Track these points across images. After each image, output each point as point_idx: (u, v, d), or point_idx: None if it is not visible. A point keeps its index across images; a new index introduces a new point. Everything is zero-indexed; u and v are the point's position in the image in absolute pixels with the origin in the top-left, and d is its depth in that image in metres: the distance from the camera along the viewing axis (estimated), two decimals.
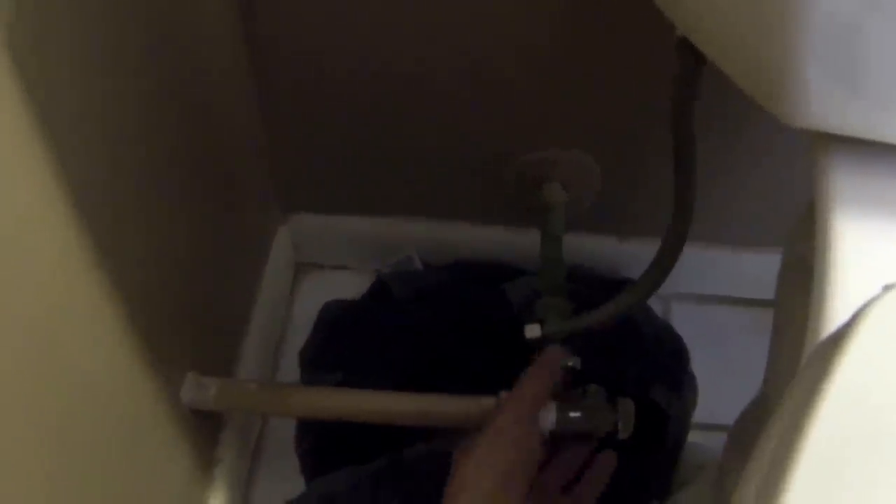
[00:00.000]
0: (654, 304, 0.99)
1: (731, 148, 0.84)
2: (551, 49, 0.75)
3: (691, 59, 0.53)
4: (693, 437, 0.86)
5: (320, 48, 0.77)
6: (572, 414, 0.69)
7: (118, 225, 0.58)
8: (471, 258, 0.99)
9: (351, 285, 1.01)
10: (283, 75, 0.81)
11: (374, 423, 0.75)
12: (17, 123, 0.45)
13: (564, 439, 0.69)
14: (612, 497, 0.69)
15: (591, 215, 0.94)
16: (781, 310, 0.55)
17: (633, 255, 0.98)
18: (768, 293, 0.59)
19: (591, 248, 0.98)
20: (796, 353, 0.42)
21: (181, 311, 0.72)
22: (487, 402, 0.71)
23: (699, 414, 0.87)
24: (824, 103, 0.39)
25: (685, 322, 0.96)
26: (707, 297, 1.06)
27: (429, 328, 0.87)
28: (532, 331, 0.77)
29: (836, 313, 0.39)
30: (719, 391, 0.83)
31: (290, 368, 0.95)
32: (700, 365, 0.88)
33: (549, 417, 0.67)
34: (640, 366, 0.84)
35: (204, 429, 0.80)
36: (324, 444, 0.84)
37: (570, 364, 0.72)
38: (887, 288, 0.32)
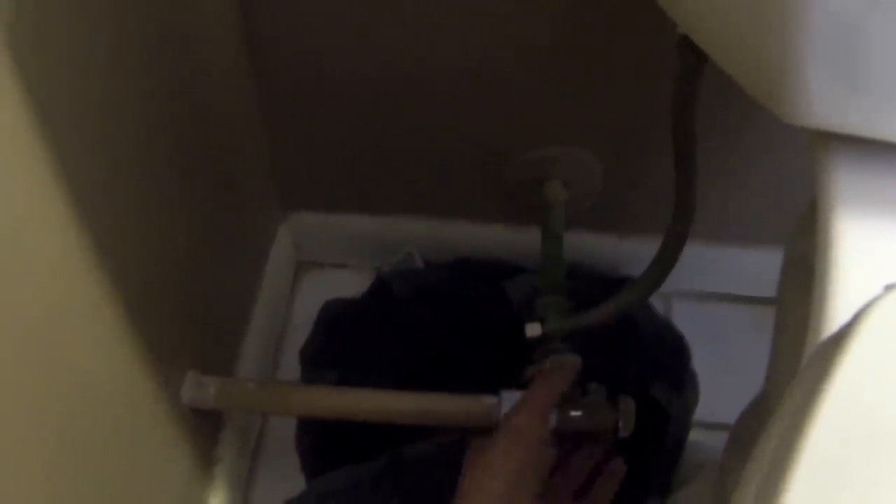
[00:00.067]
0: (656, 301, 0.99)
1: (732, 146, 0.84)
2: (552, 48, 0.75)
3: (692, 58, 0.53)
4: (694, 435, 0.86)
5: (320, 48, 0.77)
6: (573, 412, 0.69)
7: (118, 225, 0.58)
8: (471, 256, 0.99)
9: (351, 284, 1.01)
10: (283, 75, 0.81)
11: (375, 422, 0.75)
12: (17, 123, 0.45)
13: (566, 438, 0.69)
14: (613, 496, 0.69)
15: (591, 213, 0.93)
16: (783, 308, 0.55)
17: (633, 252, 0.98)
18: (770, 291, 0.59)
19: (591, 245, 0.98)
20: (797, 352, 0.42)
21: (181, 310, 0.72)
22: (488, 400, 0.71)
23: (700, 412, 0.87)
24: (825, 102, 0.39)
25: (686, 320, 0.96)
26: (708, 295, 1.06)
27: (429, 326, 0.87)
28: (533, 329, 0.76)
29: (837, 312, 0.39)
30: (720, 389, 0.83)
31: (290, 367, 0.96)
32: (701, 363, 0.88)
33: (550, 416, 0.67)
34: (641, 364, 0.84)
35: (204, 428, 0.80)
36: (324, 443, 0.84)
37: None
38: (889, 288, 0.32)
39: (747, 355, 0.71)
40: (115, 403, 0.61)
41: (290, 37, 0.77)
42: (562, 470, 0.68)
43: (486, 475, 0.60)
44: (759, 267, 0.87)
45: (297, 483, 0.84)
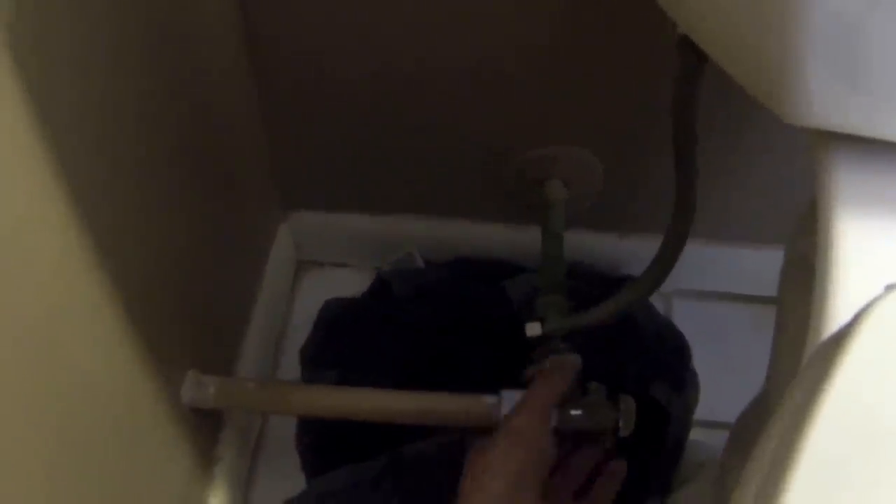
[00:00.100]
0: (656, 300, 0.99)
1: (732, 145, 0.84)
2: (552, 48, 0.75)
3: (692, 58, 0.53)
4: (694, 434, 0.86)
5: (320, 48, 0.77)
6: (573, 412, 0.69)
7: (118, 225, 0.58)
8: (471, 256, 0.99)
9: (351, 283, 1.01)
10: (283, 75, 0.81)
11: (375, 422, 0.75)
12: (17, 123, 0.45)
13: (566, 438, 0.69)
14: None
15: (591, 212, 0.93)
16: (783, 307, 0.55)
17: (633, 251, 0.98)
18: (770, 290, 0.59)
19: (591, 245, 0.98)
20: (798, 352, 0.41)
21: (181, 310, 0.72)
22: (488, 400, 0.71)
23: (700, 411, 0.87)
24: (825, 102, 0.39)
25: (686, 319, 0.96)
26: (708, 294, 1.06)
27: (429, 326, 0.87)
28: (533, 329, 0.76)
29: (837, 312, 0.39)
30: (721, 388, 0.83)
31: (290, 366, 0.96)
32: (701, 362, 0.88)
33: (550, 416, 0.67)
34: (641, 363, 0.84)
35: (204, 427, 0.80)
36: (324, 442, 0.84)
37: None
38: (889, 288, 0.32)
39: (747, 354, 0.71)
40: (115, 403, 0.61)
41: (290, 37, 0.77)
42: (562, 470, 0.68)
43: (487, 476, 0.60)
44: (760, 266, 0.87)
45: (297, 482, 0.84)
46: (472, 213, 0.97)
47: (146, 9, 0.59)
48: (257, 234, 0.94)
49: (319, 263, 1.07)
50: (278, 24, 0.75)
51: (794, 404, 0.32)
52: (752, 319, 1.04)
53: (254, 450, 0.94)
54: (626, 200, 0.94)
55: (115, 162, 0.57)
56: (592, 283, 0.89)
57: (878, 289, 0.32)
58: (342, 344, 0.88)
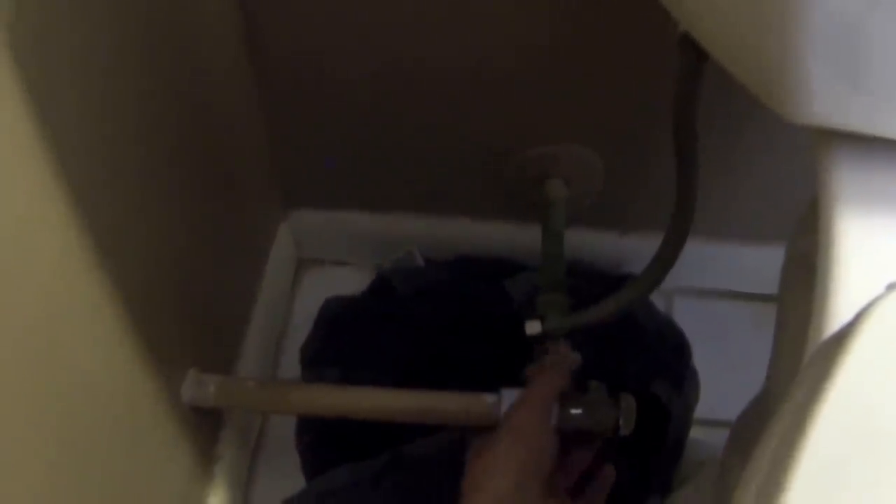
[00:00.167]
0: (657, 299, 0.99)
1: (733, 143, 0.84)
2: (552, 47, 0.75)
3: (693, 56, 0.53)
4: (694, 432, 0.86)
5: (320, 48, 0.77)
6: (573, 411, 0.69)
7: (118, 225, 0.58)
8: (472, 254, 0.99)
9: (352, 281, 1.01)
10: (283, 75, 0.81)
11: (375, 420, 0.75)
12: (17, 123, 0.45)
13: (566, 437, 0.69)
14: (613, 494, 0.69)
15: (592, 211, 0.93)
16: (784, 306, 0.55)
17: (634, 250, 0.98)
18: (770, 288, 0.58)
19: (592, 243, 0.98)
20: (799, 350, 0.41)
21: (182, 309, 0.72)
22: (488, 398, 0.71)
23: (701, 410, 0.87)
24: (827, 101, 0.39)
25: (687, 317, 0.96)
26: (709, 292, 1.06)
27: (429, 324, 0.87)
28: (532, 327, 0.76)
29: (838, 310, 0.39)
30: (721, 387, 0.83)
31: (291, 365, 0.96)
32: (702, 360, 0.88)
33: (551, 413, 0.67)
34: (642, 361, 0.84)
35: (204, 426, 0.80)
36: (324, 441, 0.84)
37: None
38: (891, 287, 0.32)
39: (748, 352, 0.71)
40: (115, 403, 0.61)
41: (290, 37, 0.77)
42: (557, 468, 0.67)
43: (490, 474, 0.60)
44: (760, 264, 0.87)
45: (297, 481, 0.84)
46: (472, 211, 0.97)
47: (146, 9, 0.59)
48: (257, 233, 0.94)
49: (320, 262, 1.07)
50: (278, 24, 0.75)
51: (795, 403, 0.32)
52: (753, 317, 1.04)
53: (254, 449, 0.94)
54: (626, 199, 0.94)
55: (115, 162, 0.57)
56: (593, 282, 0.89)
57: (880, 287, 0.32)
58: (342, 342, 0.88)
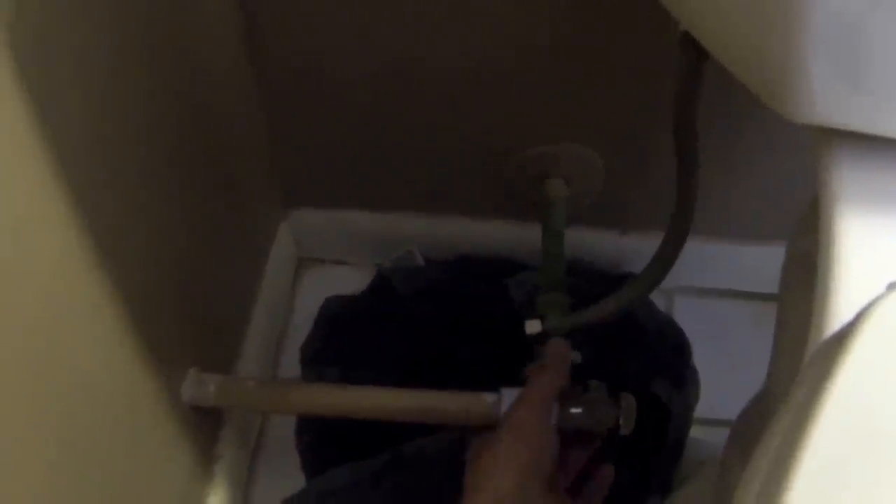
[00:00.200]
0: (657, 298, 0.99)
1: (733, 142, 0.84)
2: (552, 47, 0.75)
3: (694, 55, 0.53)
4: (695, 432, 0.86)
5: (320, 48, 0.77)
6: (573, 410, 0.69)
7: (118, 225, 0.58)
8: (472, 253, 0.99)
9: (352, 280, 1.01)
10: (283, 75, 0.81)
11: (375, 420, 0.75)
12: (17, 123, 0.45)
13: (566, 436, 0.69)
14: (613, 493, 0.69)
15: (592, 210, 0.93)
16: (785, 305, 0.55)
17: (634, 249, 0.98)
18: (771, 287, 0.58)
19: (592, 242, 0.98)
20: (799, 350, 0.41)
21: (182, 308, 0.72)
22: (488, 398, 0.71)
23: (701, 409, 0.87)
24: (828, 100, 0.39)
25: (687, 316, 0.96)
26: (709, 291, 1.06)
27: (429, 324, 0.87)
28: (532, 326, 0.76)
29: (839, 310, 0.39)
30: (721, 386, 0.83)
31: (291, 364, 0.96)
32: (702, 359, 0.88)
33: (552, 411, 0.67)
34: (642, 361, 0.84)
35: (204, 426, 0.80)
36: (324, 440, 0.84)
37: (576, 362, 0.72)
38: (892, 286, 0.32)
39: (748, 352, 0.71)
40: (115, 402, 0.61)
41: (290, 37, 0.77)
42: (560, 468, 0.68)
43: (491, 473, 0.60)
44: (761, 263, 0.87)
45: (297, 481, 0.84)
46: (472, 210, 0.97)
47: (146, 9, 0.59)
48: (257, 233, 0.94)
49: (320, 261, 1.07)
50: (278, 24, 0.75)
51: (796, 403, 0.32)
52: (753, 316, 1.04)
53: (254, 448, 0.94)
54: (626, 198, 0.94)
55: (115, 162, 0.57)
56: (593, 281, 0.89)
57: (881, 287, 0.32)
58: (343, 341, 0.88)
